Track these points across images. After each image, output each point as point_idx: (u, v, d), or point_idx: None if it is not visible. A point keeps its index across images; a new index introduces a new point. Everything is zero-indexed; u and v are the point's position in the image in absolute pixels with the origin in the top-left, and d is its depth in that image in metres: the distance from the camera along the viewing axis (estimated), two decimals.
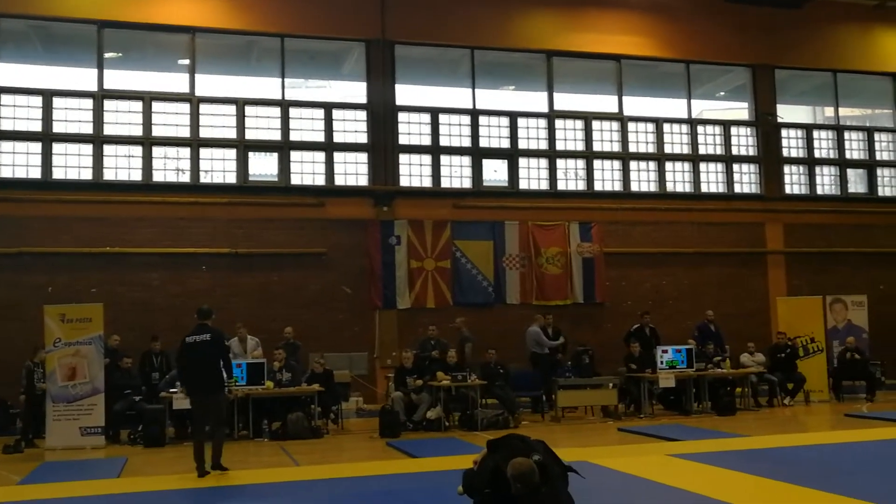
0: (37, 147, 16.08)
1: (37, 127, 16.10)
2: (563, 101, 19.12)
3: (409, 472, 9.91)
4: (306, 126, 17.50)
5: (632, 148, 19.34)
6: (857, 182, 21.16)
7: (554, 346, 15.90)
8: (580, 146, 19.04)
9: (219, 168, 16.97)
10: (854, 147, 21.09)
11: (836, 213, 20.20)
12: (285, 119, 17.32)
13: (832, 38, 20.68)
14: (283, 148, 17.27)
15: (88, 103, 16.37)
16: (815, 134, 20.88)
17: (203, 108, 16.93)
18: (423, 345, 15.35)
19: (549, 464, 6.14)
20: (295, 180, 17.28)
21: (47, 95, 16.20)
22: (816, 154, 20.72)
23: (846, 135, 21.05)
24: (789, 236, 19.87)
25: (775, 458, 10.12)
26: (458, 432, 13.32)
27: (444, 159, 18.19)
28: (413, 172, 18.01)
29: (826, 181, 20.82)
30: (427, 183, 18.04)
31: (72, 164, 16.24)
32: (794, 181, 20.51)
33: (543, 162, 18.77)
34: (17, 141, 16.06)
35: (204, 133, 16.87)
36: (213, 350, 9.76)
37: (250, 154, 17.23)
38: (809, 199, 20.36)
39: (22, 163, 16.05)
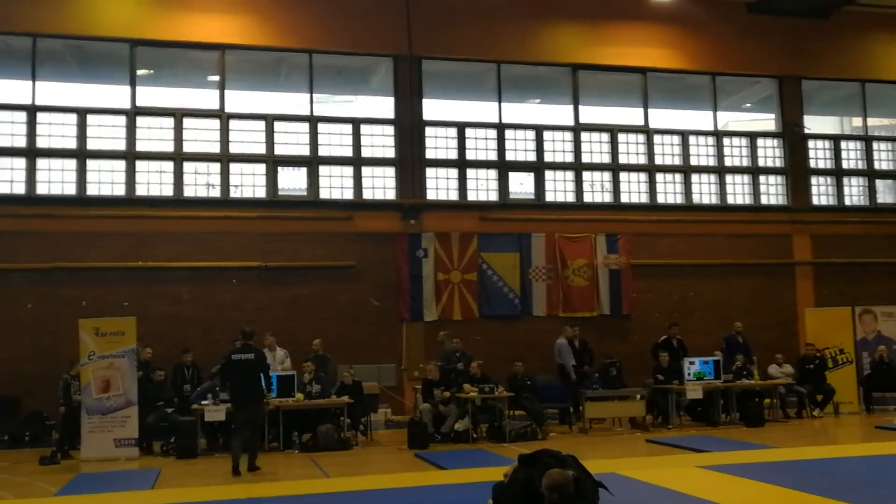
0: (71, 164, 16.36)
1: (72, 144, 16.40)
2: (589, 114, 19.19)
3: (438, 483, 9.97)
4: (335, 141, 17.68)
5: (658, 160, 19.35)
6: (885, 192, 21.02)
7: (577, 368, 15.83)
8: (606, 159, 19.08)
9: (248, 183, 17.19)
10: (883, 157, 20.95)
11: (864, 223, 20.06)
12: (314, 134, 17.52)
13: (860, 47, 20.57)
14: (312, 163, 17.46)
15: (121, 120, 16.66)
16: (843, 144, 20.77)
17: (233, 123, 17.18)
18: (448, 357, 15.41)
19: (583, 479, 6.21)
20: (324, 194, 17.46)
21: (82, 113, 16.50)
22: (844, 165, 20.60)
23: (874, 145, 20.93)
24: (817, 247, 19.75)
25: (806, 470, 10.08)
26: (487, 444, 13.37)
27: (470, 173, 18.30)
28: (440, 186, 18.14)
29: (854, 192, 20.69)
30: (454, 196, 18.16)
31: (105, 180, 16.51)
32: (821, 192, 20.41)
33: (570, 174, 18.84)
34: (53, 158, 16.36)
35: (234, 148, 17.11)
36: (256, 367, 11.28)
37: (279, 169, 17.41)
38: (837, 209, 20.25)
39: (57, 179, 16.34)
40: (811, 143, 20.39)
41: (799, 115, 20.22)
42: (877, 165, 20.82)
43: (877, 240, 19.96)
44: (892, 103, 21.98)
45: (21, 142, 16.19)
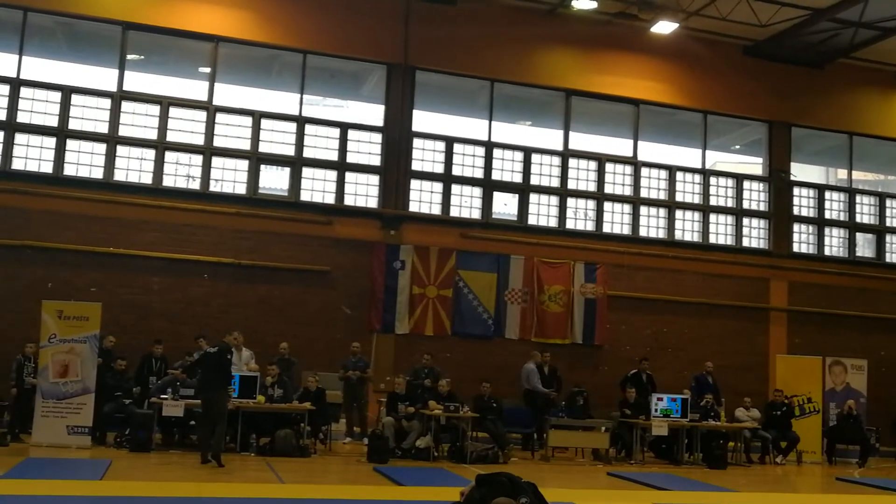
0: (51, 142, 16.10)
1: (53, 122, 16.13)
2: (579, 140, 19.14)
3: (393, 499, 9.80)
4: (321, 144, 17.51)
5: (643, 193, 19.33)
6: (865, 246, 21.10)
7: (544, 392, 15.70)
8: (592, 187, 19.03)
9: (229, 178, 16.97)
10: (865, 211, 21.04)
11: (842, 275, 20.09)
12: (300, 135, 17.35)
13: (850, 100, 20.69)
14: (296, 163, 17.28)
15: (106, 103, 16.42)
16: (827, 195, 20.85)
17: (219, 117, 16.98)
18: (416, 373, 15.26)
19: None
20: (304, 196, 17.27)
21: (66, 92, 16.24)
22: (827, 215, 20.68)
23: (857, 198, 21.03)
24: (793, 294, 19.76)
25: None
26: (447, 463, 13.20)
27: (454, 188, 18.19)
28: (423, 199, 18.00)
29: (835, 242, 20.75)
30: (436, 210, 18.03)
31: (84, 161, 16.26)
32: (802, 240, 20.45)
33: (554, 199, 18.76)
34: (32, 134, 16.09)
35: (218, 142, 16.90)
36: (222, 359, 12.14)
37: (262, 167, 17.24)
38: (817, 259, 20.29)
39: (35, 156, 16.06)
40: (796, 191, 20.46)
41: (786, 161, 20.30)
42: (858, 218, 20.90)
43: (853, 292, 20.00)
44: (877, 158, 22.10)
45: (1, 115, 15.91)
